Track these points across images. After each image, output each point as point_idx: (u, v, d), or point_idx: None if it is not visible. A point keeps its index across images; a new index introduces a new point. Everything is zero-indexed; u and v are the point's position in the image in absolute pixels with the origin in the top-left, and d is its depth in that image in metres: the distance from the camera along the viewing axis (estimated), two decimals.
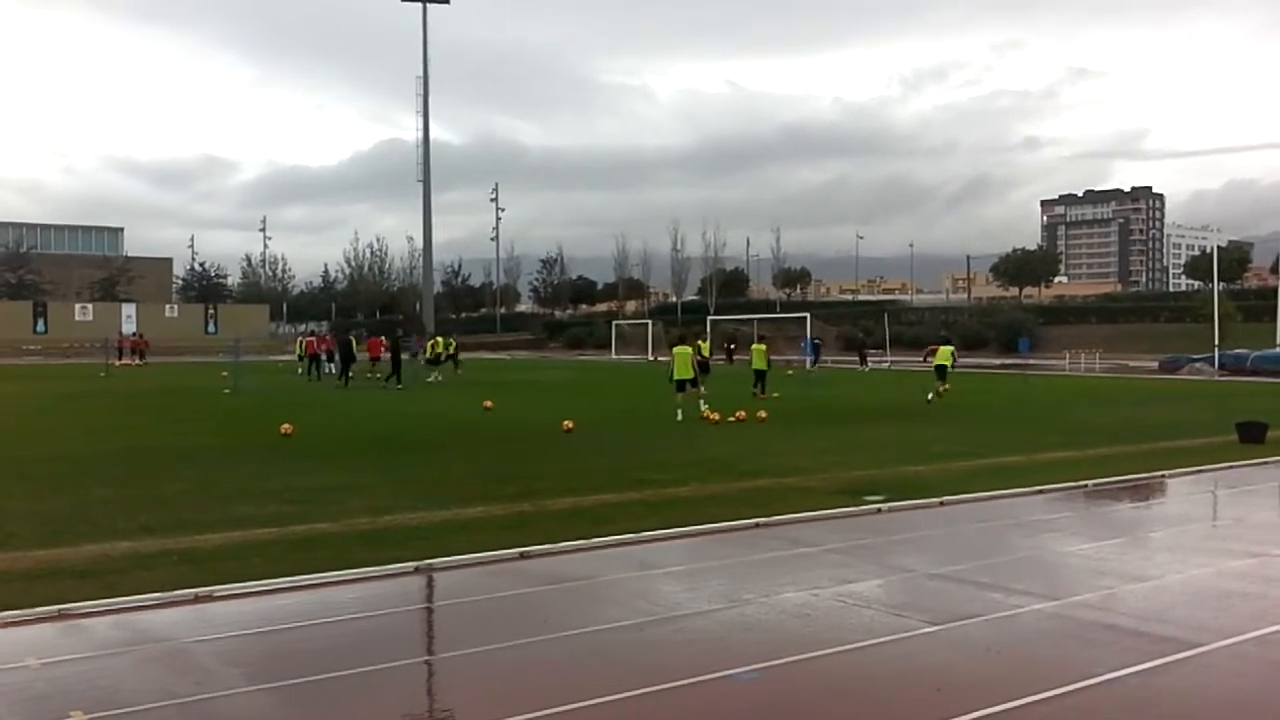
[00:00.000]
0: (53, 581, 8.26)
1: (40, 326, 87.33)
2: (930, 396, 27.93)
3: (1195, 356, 48.06)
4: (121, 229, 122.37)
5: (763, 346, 30.80)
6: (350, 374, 36.88)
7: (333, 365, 41.95)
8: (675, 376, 23.22)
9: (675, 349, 24.02)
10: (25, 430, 20.75)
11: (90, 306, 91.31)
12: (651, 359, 66.66)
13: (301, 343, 52.00)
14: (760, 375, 29.67)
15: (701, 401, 22.85)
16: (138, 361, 57.13)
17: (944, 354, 30.23)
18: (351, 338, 40.68)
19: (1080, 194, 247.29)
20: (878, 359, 58.05)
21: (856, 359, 54.49)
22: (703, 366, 26.33)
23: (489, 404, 25.59)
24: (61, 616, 7.38)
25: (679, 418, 22.07)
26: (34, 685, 6.05)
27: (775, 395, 28.90)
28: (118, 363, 55.18)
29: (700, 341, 28.55)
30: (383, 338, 47.69)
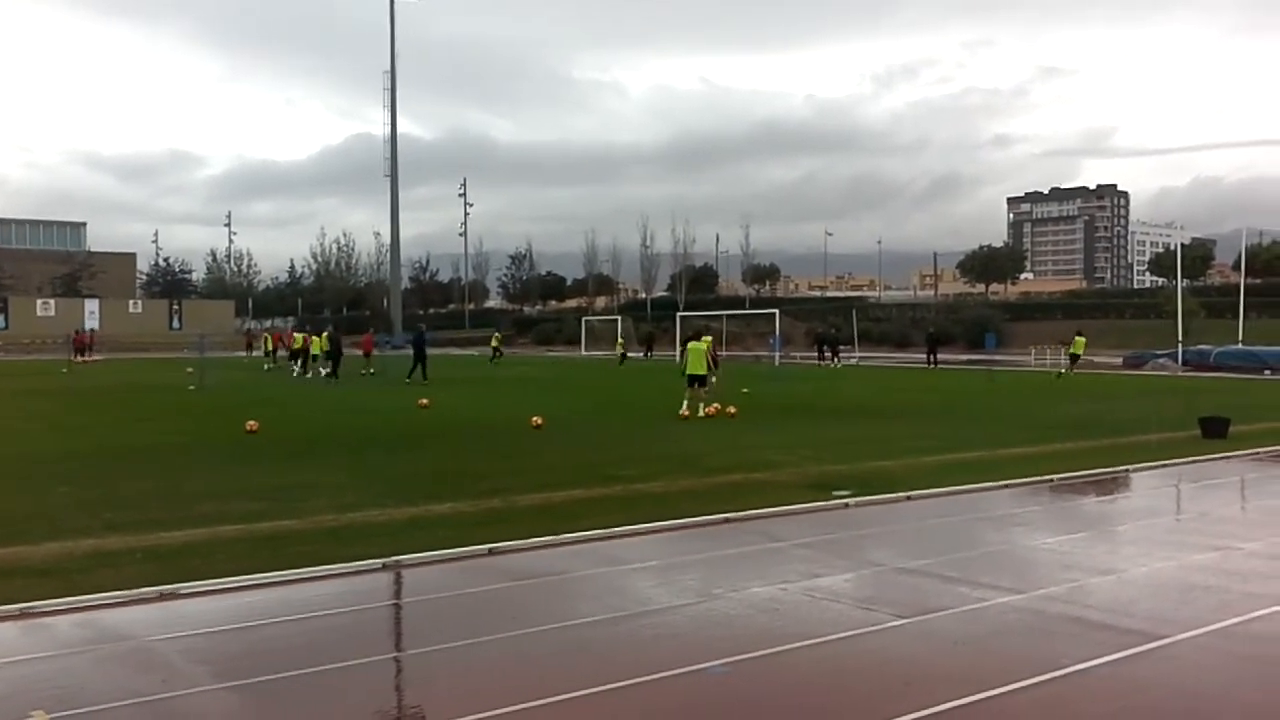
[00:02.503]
0: (14, 580, 8.13)
1: (1, 322, 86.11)
2: (1060, 373, 37.93)
3: (1159, 352, 48.56)
4: (84, 224, 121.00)
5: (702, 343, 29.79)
6: (334, 370, 36.91)
7: (296, 362, 41.77)
8: (688, 371, 23.08)
9: (690, 345, 23.85)
10: None
11: (52, 302, 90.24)
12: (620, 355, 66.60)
13: (267, 339, 51.92)
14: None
15: (686, 401, 22.63)
16: (82, 358, 55.81)
17: (1079, 344, 40.04)
18: (336, 334, 40.46)
19: (1046, 191, 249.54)
20: (846, 353, 58.25)
21: (829, 354, 54.62)
22: (714, 362, 26.33)
23: (424, 401, 25.38)
24: (23, 615, 7.27)
25: (684, 412, 21.99)
26: None
27: (745, 391, 28.94)
28: (80, 359, 54.47)
29: (707, 339, 28.28)
30: (371, 332, 47.83)
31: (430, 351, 38.28)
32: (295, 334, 47.46)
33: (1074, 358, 39.79)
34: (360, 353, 43.96)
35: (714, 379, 24.68)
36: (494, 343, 59.87)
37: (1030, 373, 44.66)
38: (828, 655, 6.55)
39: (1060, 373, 37.74)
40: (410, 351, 38.05)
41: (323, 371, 39.14)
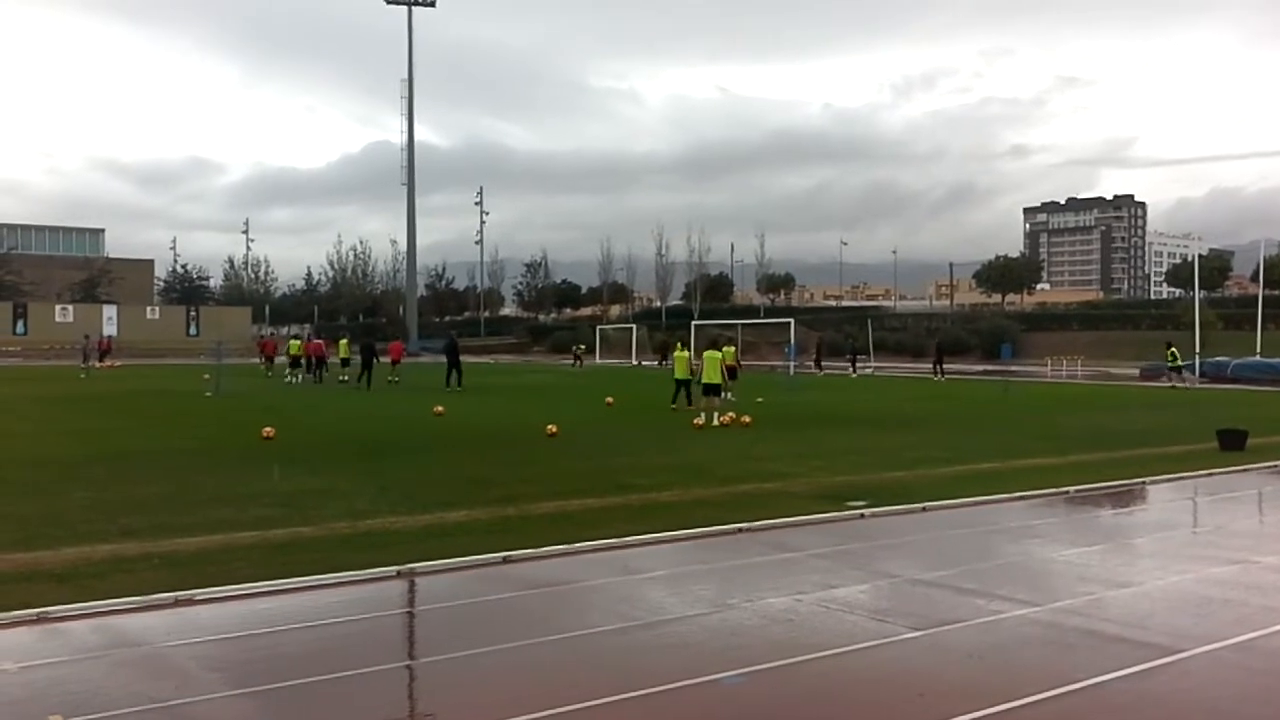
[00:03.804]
0: (31, 585, 8.19)
1: (20, 328, 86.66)
2: (1183, 386, 40.24)
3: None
4: (103, 230, 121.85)
5: (685, 354, 27.89)
6: (360, 378, 37.20)
7: (305, 370, 41.86)
8: (703, 380, 23.11)
9: (705, 353, 23.81)
10: (3, 433, 20.56)
11: (71, 308, 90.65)
12: (635, 363, 66.67)
13: (292, 345, 51.74)
14: (682, 385, 26.43)
15: (701, 407, 22.64)
16: (99, 364, 55.53)
17: (1172, 355, 42.05)
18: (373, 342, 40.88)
19: (1063, 201, 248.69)
20: (862, 364, 58.11)
21: (848, 362, 54.54)
22: (730, 372, 26.20)
23: (440, 409, 25.44)
24: (40, 620, 7.31)
25: (699, 421, 22.06)
26: (12, 689, 6.00)
27: (759, 400, 28.91)
28: (98, 365, 54.67)
29: (727, 348, 28.02)
30: (400, 340, 48.04)
31: (443, 360, 38.47)
32: (292, 340, 47.57)
33: (1177, 369, 41.88)
34: (388, 360, 44.23)
35: (730, 394, 24.71)
36: (578, 350, 65.00)
37: (1046, 384, 44.45)
38: (842, 667, 6.53)
39: (1187, 387, 39.72)
40: (445, 359, 38.39)
41: (340, 378, 39.42)
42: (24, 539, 9.91)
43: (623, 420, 24.40)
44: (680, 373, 26.95)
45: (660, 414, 25.14)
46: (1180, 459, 16.93)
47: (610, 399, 29.93)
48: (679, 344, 31.77)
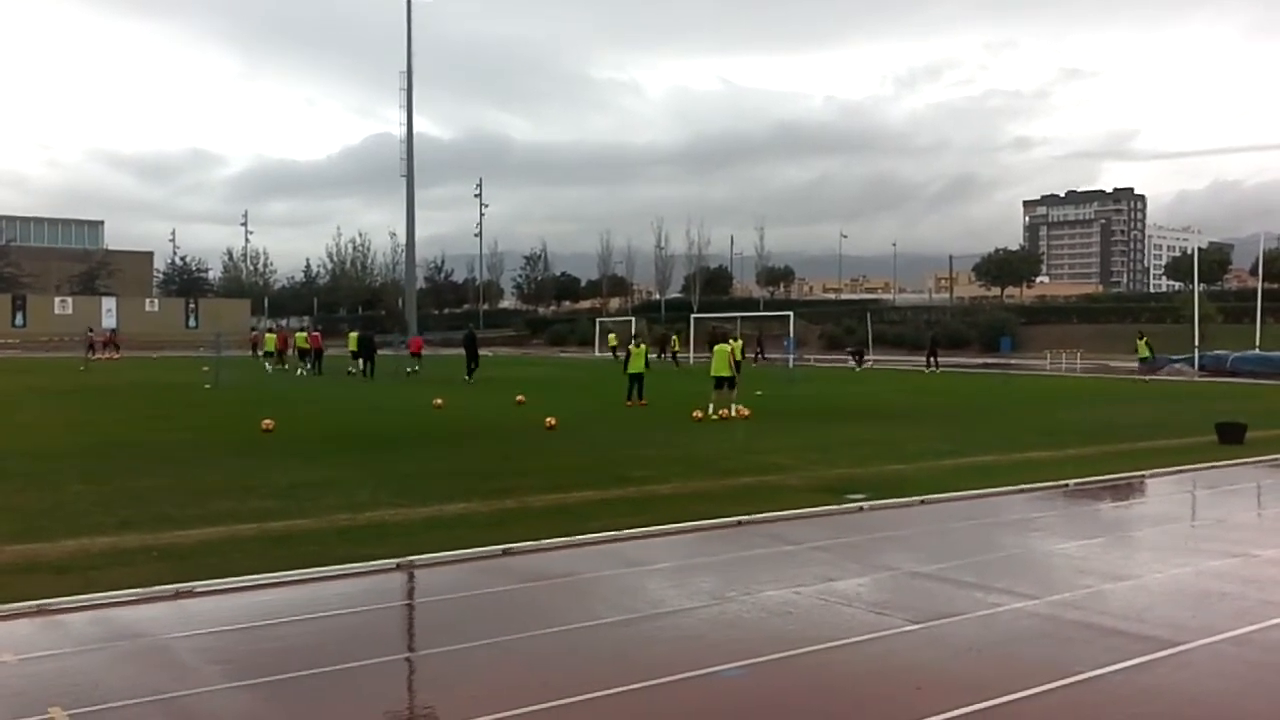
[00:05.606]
0: (31, 577, 8.19)
1: (19, 320, 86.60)
2: (1143, 380, 38.64)
3: (1175, 357, 48.26)
4: (102, 222, 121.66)
5: (641, 348, 27.47)
6: (368, 369, 37.59)
7: (308, 362, 42.17)
8: (713, 373, 23.44)
9: (715, 347, 24.24)
10: (2, 425, 20.56)
11: (70, 300, 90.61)
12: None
13: (284, 339, 51.77)
14: (636, 380, 26.17)
15: (711, 404, 22.70)
16: (99, 356, 55.33)
17: (1142, 347, 41.23)
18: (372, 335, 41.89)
19: (1062, 194, 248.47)
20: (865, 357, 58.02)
21: (848, 357, 54.46)
22: (735, 366, 26.33)
23: (439, 401, 25.42)
24: (40, 612, 7.32)
25: (711, 414, 22.12)
26: (12, 681, 6.00)
27: (759, 393, 28.88)
28: (97, 357, 54.63)
29: (733, 341, 28.04)
30: (419, 335, 48.58)
31: (441, 352, 38.69)
32: (269, 334, 48.06)
33: (1142, 360, 41.11)
34: (408, 352, 45.04)
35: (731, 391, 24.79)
36: (645, 346, 62.60)
37: (1046, 377, 44.45)
38: (841, 659, 6.54)
39: (1148, 381, 38.49)
40: (463, 351, 39.04)
41: (348, 370, 39.63)
42: (23, 531, 9.92)
43: (621, 413, 24.39)
44: (635, 366, 26.31)
45: (658, 408, 25.13)
46: (1179, 452, 16.94)
47: (521, 397, 26.88)
48: (633, 337, 31.71)
